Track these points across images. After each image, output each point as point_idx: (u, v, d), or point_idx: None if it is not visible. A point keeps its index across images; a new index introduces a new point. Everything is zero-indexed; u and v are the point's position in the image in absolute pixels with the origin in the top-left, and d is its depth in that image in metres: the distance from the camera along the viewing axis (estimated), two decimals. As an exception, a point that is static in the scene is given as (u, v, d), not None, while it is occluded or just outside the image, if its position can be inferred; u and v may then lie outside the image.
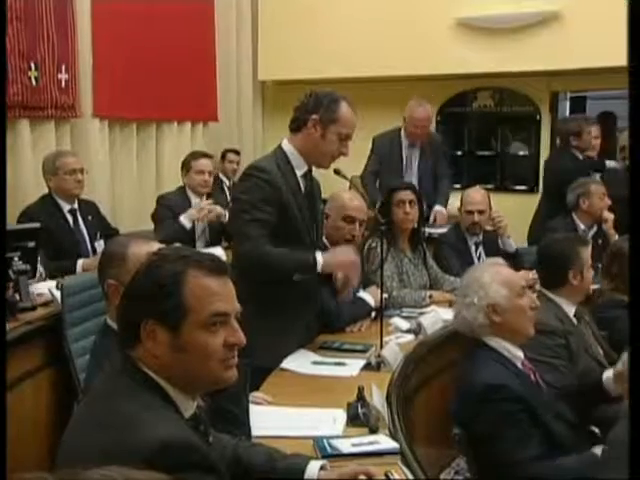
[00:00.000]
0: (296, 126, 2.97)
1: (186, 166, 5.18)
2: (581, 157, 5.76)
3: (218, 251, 4.78)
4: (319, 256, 2.89)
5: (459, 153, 7.69)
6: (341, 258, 2.98)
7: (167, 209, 5.02)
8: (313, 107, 2.92)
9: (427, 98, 6.39)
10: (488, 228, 4.77)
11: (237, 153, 7.22)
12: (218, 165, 7.22)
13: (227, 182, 6.85)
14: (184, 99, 6.55)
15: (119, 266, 2.22)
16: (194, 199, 5.15)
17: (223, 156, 7.22)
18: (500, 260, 3.06)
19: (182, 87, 6.46)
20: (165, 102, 6.28)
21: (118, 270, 2.22)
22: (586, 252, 3.28)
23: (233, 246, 2.99)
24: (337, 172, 3.13)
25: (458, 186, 7.14)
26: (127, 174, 5.89)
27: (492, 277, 2.80)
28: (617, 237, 4.76)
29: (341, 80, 6.52)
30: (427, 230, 5.26)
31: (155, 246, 2.19)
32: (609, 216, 4.97)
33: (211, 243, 5.09)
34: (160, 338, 1.48)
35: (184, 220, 4.86)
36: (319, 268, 2.90)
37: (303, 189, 3.01)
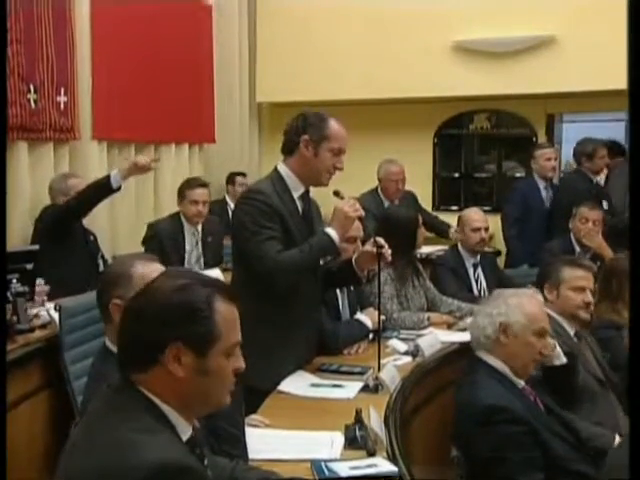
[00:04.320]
0: (289, 149, 3.01)
1: (181, 194, 5.15)
2: (594, 181, 5.84)
3: (216, 272, 4.79)
4: (327, 229, 2.92)
5: (456, 175, 7.73)
6: (344, 210, 2.95)
7: (156, 238, 4.99)
8: (302, 128, 2.96)
9: (424, 120, 6.45)
10: (487, 249, 4.78)
11: (244, 175, 7.28)
12: (224, 188, 7.29)
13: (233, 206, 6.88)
14: (182, 121, 6.57)
15: (125, 285, 2.21)
16: (188, 227, 5.13)
17: (230, 179, 7.29)
18: (539, 296, 3.07)
19: (180, 109, 6.48)
20: (163, 124, 6.30)
21: (124, 289, 2.21)
22: (570, 272, 3.31)
23: (248, 268, 2.96)
24: (336, 194, 3.14)
25: (455, 208, 7.19)
26: (125, 197, 5.89)
27: (520, 302, 2.82)
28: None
29: (338, 102, 6.57)
30: (424, 252, 5.27)
31: (160, 267, 2.20)
32: (599, 242, 4.93)
33: (204, 266, 5.09)
34: (185, 361, 1.48)
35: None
36: (335, 239, 2.91)
37: (300, 211, 3.04)
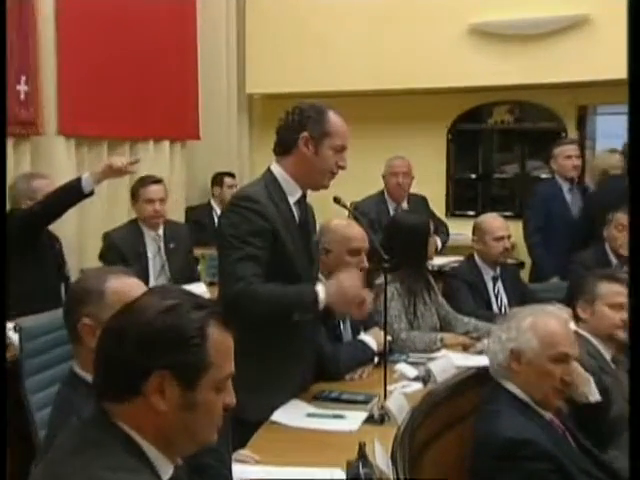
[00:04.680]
0: (284, 148, 3.01)
1: (134, 194, 5.17)
2: None
3: (201, 288, 4.80)
4: (320, 289, 2.88)
5: (473, 176, 7.77)
6: (349, 292, 2.91)
7: (115, 249, 5.01)
8: (300, 124, 2.96)
9: (436, 114, 6.48)
10: (510, 261, 4.79)
11: (233, 176, 7.33)
12: (209, 190, 7.33)
13: (219, 211, 6.93)
14: (162, 115, 6.60)
15: (96, 303, 2.19)
16: (147, 232, 5.15)
17: (216, 180, 7.34)
18: (564, 313, 3.02)
19: (159, 102, 6.51)
20: (140, 118, 6.32)
21: (95, 307, 2.19)
22: (606, 287, 3.33)
23: (220, 286, 2.98)
24: (337, 201, 3.17)
25: (472, 213, 7.21)
26: (95, 201, 5.88)
27: (534, 324, 2.80)
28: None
29: (339, 94, 6.62)
30: (436, 263, 5.29)
31: (137, 282, 2.21)
32: None
33: (176, 280, 5.11)
34: (169, 393, 1.48)
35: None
36: (321, 304, 2.88)
37: (297, 219, 3.04)
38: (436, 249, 5.92)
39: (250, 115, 8.14)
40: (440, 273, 5.21)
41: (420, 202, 6.30)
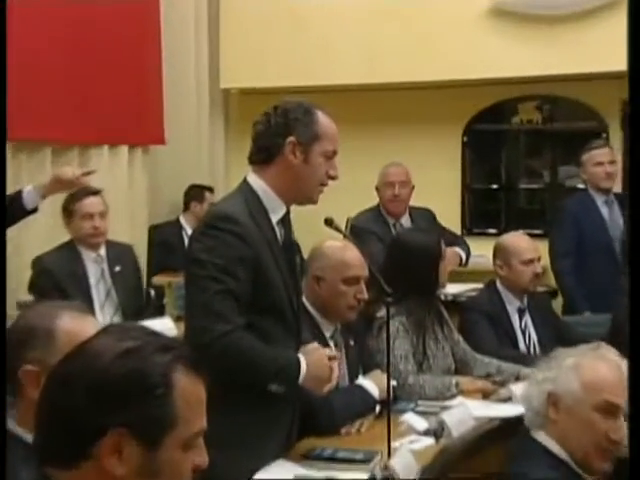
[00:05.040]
0: (265, 156, 3.02)
1: (67, 211, 5.13)
2: None
3: (167, 324, 4.78)
4: (302, 361, 2.94)
5: (494, 186, 7.79)
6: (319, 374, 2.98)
7: (47, 276, 4.98)
8: (285, 127, 2.98)
9: (449, 112, 6.46)
10: (540, 289, 4.79)
11: (211, 191, 7.39)
12: (180, 206, 7.36)
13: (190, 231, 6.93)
14: (118, 116, 6.58)
15: (44, 345, 2.16)
16: (87, 254, 5.14)
17: (190, 195, 7.39)
18: (612, 355, 2.89)
19: (116, 102, 6.50)
20: (92, 120, 6.31)
21: (42, 351, 2.16)
22: None
23: (190, 323, 2.96)
24: (329, 223, 3.18)
25: (493, 231, 7.20)
26: (37, 218, 5.85)
27: (577, 365, 2.78)
28: None
29: (329, 89, 6.65)
30: (450, 292, 5.28)
31: (93, 320, 2.19)
32: None
33: (125, 311, 5.12)
34: (128, 454, 1.46)
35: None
36: (301, 378, 2.93)
37: (281, 241, 3.05)
38: (460, 261, 5.96)
39: (225, 114, 8.15)
40: (455, 304, 5.22)
41: (424, 217, 6.28)
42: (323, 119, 3.01)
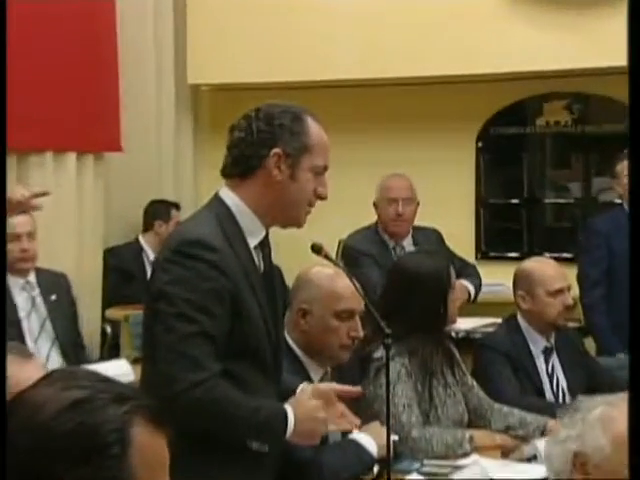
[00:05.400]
0: (243, 169, 3.00)
1: None
2: None
3: (122, 367, 4.78)
4: (290, 413, 2.93)
5: (514, 201, 7.79)
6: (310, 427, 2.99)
7: None
8: (270, 134, 2.97)
9: (461, 114, 6.46)
10: (570, 324, 4.79)
11: (178, 208, 7.38)
12: (139, 225, 7.35)
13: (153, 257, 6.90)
14: (66, 119, 6.58)
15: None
16: (14, 281, 5.14)
17: (152, 212, 7.38)
18: None
19: (63, 102, 6.52)
20: (35, 124, 6.30)
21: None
22: None
23: (155, 369, 2.96)
24: (317, 250, 3.19)
25: (513, 255, 7.20)
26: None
27: (607, 419, 2.77)
28: None
29: (317, 85, 6.67)
30: (462, 327, 5.28)
31: (36, 364, 2.19)
32: None
33: (64, 349, 5.13)
34: None
35: None
36: (288, 433, 2.92)
37: (261, 268, 3.06)
38: (469, 297, 5.96)
39: (194, 116, 8.15)
40: (468, 342, 5.24)
41: (430, 238, 6.27)
42: (314, 128, 3.01)
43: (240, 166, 3.01)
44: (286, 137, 2.96)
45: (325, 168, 3.03)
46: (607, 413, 2.79)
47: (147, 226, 7.42)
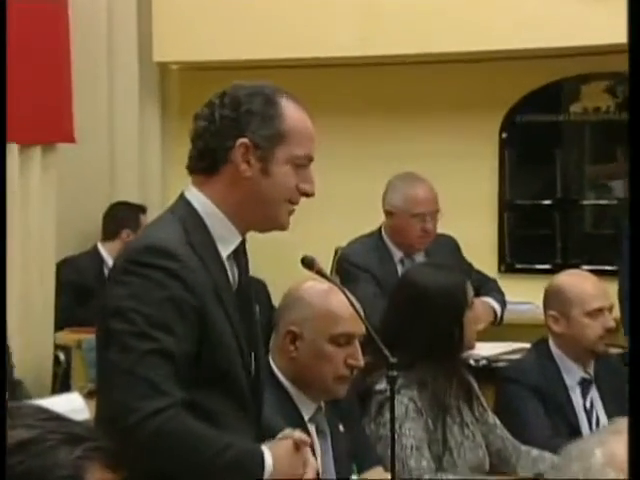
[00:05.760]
0: (209, 164, 3.03)
1: None
2: None
3: (75, 402, 4.79)
4: (267, 455, 2.93)
5: (546, 202, 7.78)
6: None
7: None
8: (235, 122, 2.99)
9: (480, 98, 6.46)
10: (615, 350, 4.80)
11: (144, 211, 7.39)
12: (97, 231, 7.34)
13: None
14: (9, 106, 6.60)
15: None
16: None
17: (113, 216, 7.41)
18: None
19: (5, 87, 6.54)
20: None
21: None
22: None
23: (108, 397, 2.97)
24: (308, 264, 3.22)
25: (544, 267, 7.20)
26: None
27: (607, 455, 2.79)
28: None
29: (306, 63, 6.77)
30: (482, 354, 5.29)
31: None
32: None
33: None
34: None
35: None
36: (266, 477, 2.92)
37: (234, 282, 3.07)
38: (495, 318, 6.02)
39: (162, 99, 8.18)
40: (490, 372, 5.24)
41: (444, 247, 6.26)
42: (291, 111, 3.01)
43: (205, 161, 3.03)
44: (255, 124, 2.97)
45: (308, 159, 3.03)
46: (612, 449, 2.81)
47: (109, 233, 7.42)
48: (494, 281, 6.35)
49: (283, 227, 3.07)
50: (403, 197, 6.08)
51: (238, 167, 2.97)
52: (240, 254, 3.12)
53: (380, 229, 6.19)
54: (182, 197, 3.07)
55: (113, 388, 2.89)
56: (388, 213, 6.12)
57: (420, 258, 6.11)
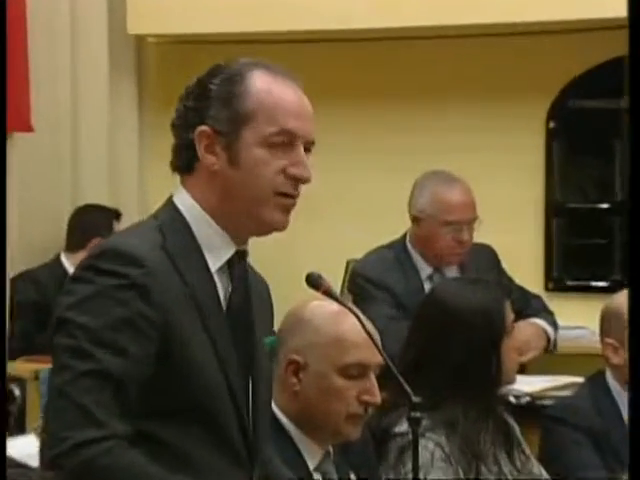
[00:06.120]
0: (183, 163, 3.04)
1: None
2: None
3: (31, 445, 4.80)
4: None
5: (603, 206, 7.78)
6: None
7: None
8: (198, 111, 3.00)
9: (522, 80, 6.47)
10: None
11: (118, 217, 7.38)
12: (61, 239, 7.34)
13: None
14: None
15: None
16: None
17: (79, 222, 7.42)
18: None
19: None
20: None
21: None
22: None
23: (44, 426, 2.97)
24: (313, 283, 3.16)
25: (601, 285, 7.20)
26: None
27: None
28: None
29: (304, 37, 6.82)
30: (524, 390, 5.30)
31: None
32: None
33: None
34: None
35: None
36: None
37: (224, 301, 3.04)
38: (548, 344, 6.01)
39: (138, 79, 8.18)
40: (533, 411, 5.25)
41: (481, 259, 6.32)
42: (261, 83, 2.99)
43: (179, 158, 3.06)
44: (215, 108, 2.98)
45: (291, 136, 2.98)
46: None
47: (75, 242, 7.41)
48: (539, 298, 6.36)
49: (275, 226, 3.02)
50: (433, 200, 6.08)
51: (206, 160, 2.98)
52: (235, 265, 3.06)
53: (404, 238, 6.19)
54: (169, 200, 3.08)
55: (46, 414, 2.91)
56: (415, 219, 6.12)
57: (452, 274, 6.12)
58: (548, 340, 5.95)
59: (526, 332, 5.16)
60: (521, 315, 5.43)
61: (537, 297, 6.34)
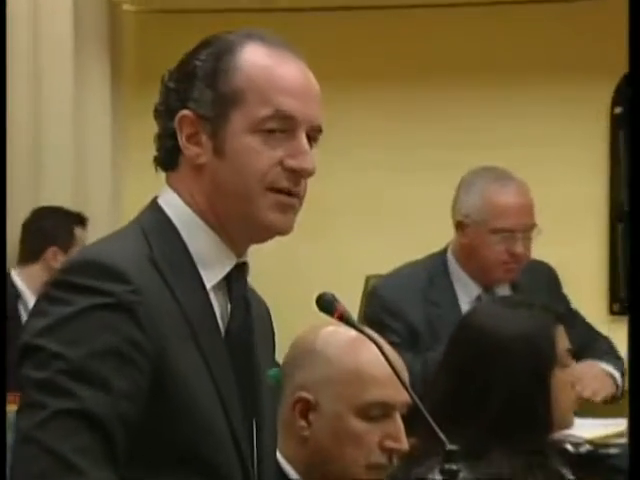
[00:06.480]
0: (165, 156, 3.04)
1: None
2: None
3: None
4: None
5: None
6: None
7: None
8: (178, 88, 2.99)
9: (579, 56, 6.49)
10: None
11: (84, 223, 7.41)
12: (13, 250, 7.36)
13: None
14: None
15: None
16: None
17: (35, 230, 7.44)
18: None
19: None
20: None
21: None
22: None
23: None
24: (325, 306, 3.12)
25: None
26: None
27: None
28: None
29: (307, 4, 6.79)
30: (583, 436, 5.29)
31: None
32: None
33: None
34: None
35: None
36: None
37: (222, 322, 3.03)
38: (616, 390, 5.96)
39: (113, 55, 8.18)
40: (594, 462, 5.25)
41: (537, 279, 6.30)
42: (253, 58, 2.96)
43: (162, 151, 3.06)
44: (199, 89, 2.97)
45: (290, 119, 2.94)
46: None
47: (29, 253, 7.48)
48: (608, 339, 6.33)
49: (273, 228, 2.99)
50: (482, 203, 6.06)
51: (188, 151, 2.96)
52: (237, 284, 3.07)
53: (445, 251, 6.17)
54: (154, 201, 3.06)
55: (13, 466, 2.89)
56: (459, 226, 6.09)
57: (505, 291, 6.11)
58: (616, 387, 5.91)
59: (589, 373, 5.12)
60: (583, 356, 5.40)
61: (605, 338, 6.31)
